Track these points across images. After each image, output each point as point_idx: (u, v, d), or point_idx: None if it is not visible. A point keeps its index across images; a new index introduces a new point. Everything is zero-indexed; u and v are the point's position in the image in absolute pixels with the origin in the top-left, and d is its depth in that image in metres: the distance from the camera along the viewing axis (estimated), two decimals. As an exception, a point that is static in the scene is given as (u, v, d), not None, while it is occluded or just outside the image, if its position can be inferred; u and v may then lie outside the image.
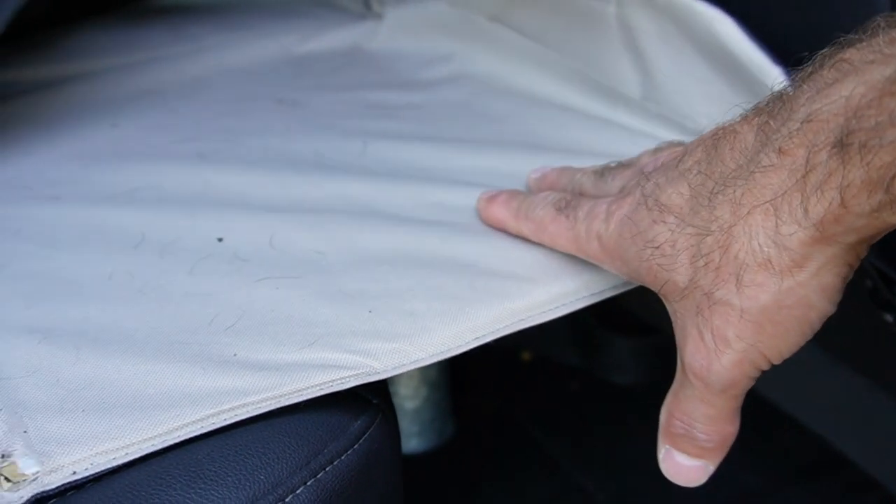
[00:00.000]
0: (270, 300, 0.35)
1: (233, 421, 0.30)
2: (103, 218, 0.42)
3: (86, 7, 0.72)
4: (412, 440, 0.74)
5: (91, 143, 0.50)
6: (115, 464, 0.29)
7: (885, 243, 0.30)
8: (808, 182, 0.26)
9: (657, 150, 0.39)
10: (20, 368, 0.32)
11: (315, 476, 0.30)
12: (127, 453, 0.29)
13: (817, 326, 0.28)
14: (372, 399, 0.34)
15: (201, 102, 0.56)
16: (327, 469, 0.30)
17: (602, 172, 0.39)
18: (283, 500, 0.29)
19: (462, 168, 0.46)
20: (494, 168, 0.46)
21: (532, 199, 0.39)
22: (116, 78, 0.59)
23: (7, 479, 0.28)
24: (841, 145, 0.24)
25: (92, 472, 0.28)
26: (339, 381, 0.31)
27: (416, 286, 0.36)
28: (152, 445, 0.29)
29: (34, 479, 0.28)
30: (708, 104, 0.46)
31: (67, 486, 0.28)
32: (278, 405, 0.31)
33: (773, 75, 0.40)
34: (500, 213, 0.39)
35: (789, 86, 0.28)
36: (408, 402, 0.73)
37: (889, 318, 0.43)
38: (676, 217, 0.30)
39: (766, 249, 0.27)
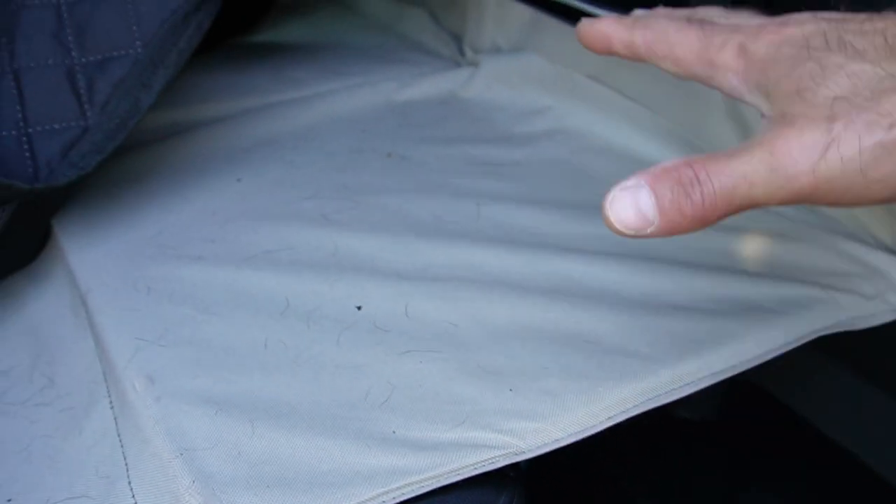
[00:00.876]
0: (417, 375, 0.39)
1: (401, 499, 0.33)
2: (247, 281, 0.46)
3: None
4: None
5: (221, 199, 0.54)
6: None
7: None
8: None
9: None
10: (203, 440, 0.35)
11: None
12: None
13: None
14: (510, 472, 0.37)
15: (315, 154, 0.60)
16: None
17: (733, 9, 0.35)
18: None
19: (572, 235, 0.49)
20: (603, 235, 0.49)
21: (654, 11, 0.36)
22: (233, 127, 0.63)
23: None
24: None
25: None
26: (490, 461, 0.35)
27: (550, 364, 0.39)
28: None
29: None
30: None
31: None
32: (439, 484, 0.34)
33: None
34: (609, 26, 0.35)
35: None
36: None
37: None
38: (871, 63, 0.28)
39: None
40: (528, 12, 0.67)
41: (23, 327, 0.47)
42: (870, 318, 0.42)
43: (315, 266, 0.47)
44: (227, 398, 0.38)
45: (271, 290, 0.45)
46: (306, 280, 0.45)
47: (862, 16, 0.30)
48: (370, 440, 0.35)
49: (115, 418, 0.39)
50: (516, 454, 0.35)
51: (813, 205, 0.30)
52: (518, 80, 0.67)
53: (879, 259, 0.45)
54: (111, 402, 0.40)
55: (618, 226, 0.29)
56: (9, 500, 0.36)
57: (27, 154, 0.46)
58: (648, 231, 0.29)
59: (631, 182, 0.29)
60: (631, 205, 0.29)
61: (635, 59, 0.36)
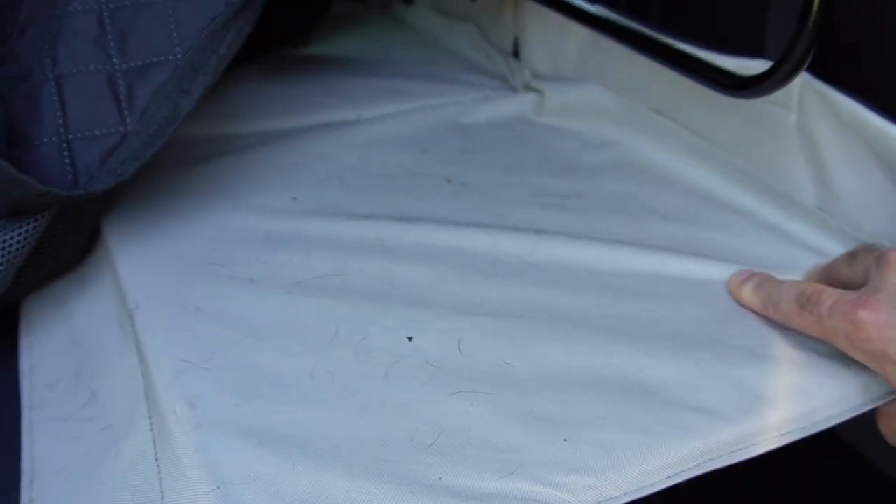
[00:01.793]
0: (466, 418, 0.37)
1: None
2: (297, 306, 0.44)
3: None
4: None
5: (275, 219, 0.53)
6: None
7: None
8: None
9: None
10: (241, 475, 0.34)
11: None
12: None
13: None
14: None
15: (373, 176, 0.59)
16: None
17: (855, 254, 0.42)
18: None
19: (636, 274, 0.47)
20: (668, 276, 0.47)
21: (778, 291, 0.42)
22: (290, 144, 0.62)
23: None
24: None
25: None
26: (539, 516, 0.33)
27: (607, 414, 0.37)
28: None
29: None
30: (891, 227, 0.46)
31: None
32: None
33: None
34: (751, 300, 0.44)
35: None
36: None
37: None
38: None
39: None
40: (585, 33, 0.65)
41: (70, 338, 0.47)
42: None
43: (367, 294, 0.45)
44: (268, 430, 0.36)
45: (321, 316, 0.44)
46: (358, 308, 0.44)
47: None
48: (414, 486, 0.34)
49: (153, 441, 0.38)
50: (567, 510, 0.33)
51: None
52: (583, 110, 0.65)
53: None
54: (151, 424, 0.39)
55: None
56: None
57: (67, 160, 0.45)
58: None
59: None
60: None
61: None
